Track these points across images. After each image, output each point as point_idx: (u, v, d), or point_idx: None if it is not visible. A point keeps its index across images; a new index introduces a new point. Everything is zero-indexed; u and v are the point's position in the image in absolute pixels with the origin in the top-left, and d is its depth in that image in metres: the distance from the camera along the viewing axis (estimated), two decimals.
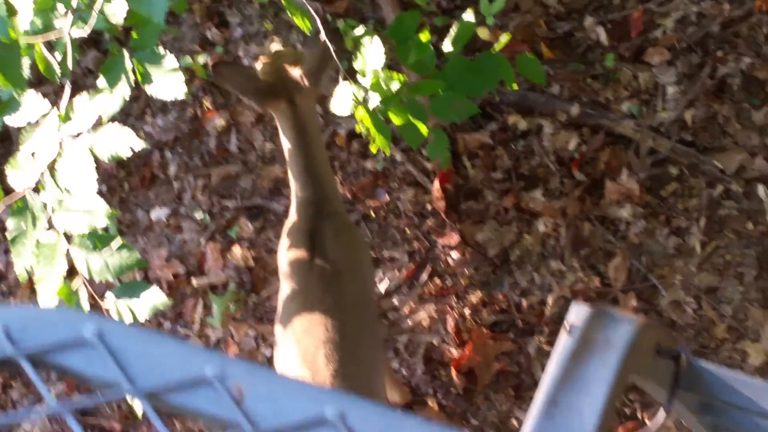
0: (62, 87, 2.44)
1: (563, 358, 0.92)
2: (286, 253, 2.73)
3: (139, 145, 2.29)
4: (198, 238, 3.67)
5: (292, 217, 2.78)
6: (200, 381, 0.84)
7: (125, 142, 2.31)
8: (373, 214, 3.64)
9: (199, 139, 3.81)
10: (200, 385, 0.84)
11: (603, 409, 0.85)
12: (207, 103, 3.86)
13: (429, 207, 3.63)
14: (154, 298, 2.38)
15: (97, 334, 0.86)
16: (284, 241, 2.76)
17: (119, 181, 3.69)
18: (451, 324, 3.50)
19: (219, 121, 3.80)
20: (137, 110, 3.89)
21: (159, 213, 3.68)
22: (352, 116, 3.47)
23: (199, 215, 3.70)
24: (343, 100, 2.58)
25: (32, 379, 0.85)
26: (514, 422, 3.37)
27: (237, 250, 3.60)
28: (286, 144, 2.74)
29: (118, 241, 2.30)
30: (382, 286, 3.55)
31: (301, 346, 2.61)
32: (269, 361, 3.52)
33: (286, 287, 2.73)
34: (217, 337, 3.55)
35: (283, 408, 0.84)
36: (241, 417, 0.83)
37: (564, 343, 0.97)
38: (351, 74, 2.54)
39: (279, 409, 0.84)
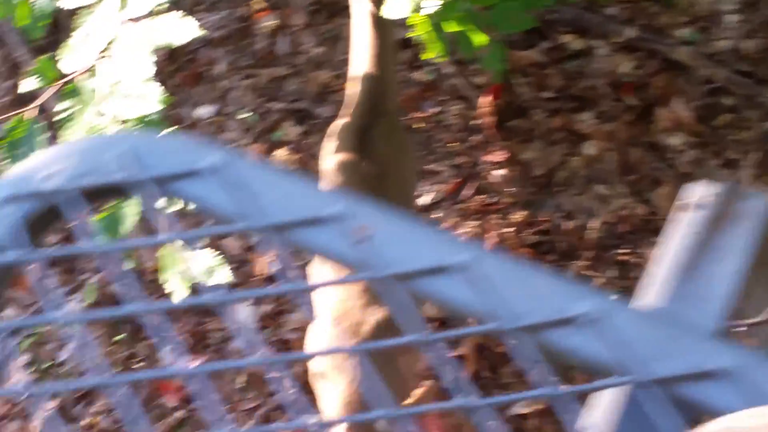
0: None
1: (694, 229, 0.89)
2: (332, 151, 2.69)
3: (198, 32, 2.25)
4: (242, 139, 3.64)
5: (344, 113, 2.73)
6: (327, 218, 0.81)
7: (184, 30, 2.28)
8: (418, 126, 3.59)
9: (248, 39, 3.77)
10: (324, 223, 0.81)
11: (740, 276, 0.82)
12: (256, 3, 3.82)
13: (475, 122, 3.59)
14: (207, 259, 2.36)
15: (222, 163, 0.83)
16: (331, 139, 2.71)
17: (166, 75, 3.65)
18: (492, 241, 3.47)
19: (269, 22, 3.75)
20: (188, 4, 3.85)
21: (204, 111, 3.65)
22: (402, 25, 3.42)
23: (244, 115, 3.66)
24: (399, 3, 2.53)
25: (152, 206, 0.82)
26: None
27: (281, 153, 3.56)
28: (357, 28, 2.64)
29: (168, 129, 2.27)
30: (425, 199, 3.51)
31: (332, 299, 2.58)
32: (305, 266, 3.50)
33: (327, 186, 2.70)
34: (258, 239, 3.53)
35: (410, 253, 0.81)
36: (367, 258, 0.80)
37: (690, 217, 0.93)
38: None
39: (405, 254, 0.81)
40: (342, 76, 3.62)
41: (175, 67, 3.73)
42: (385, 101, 2.68)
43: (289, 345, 3.41)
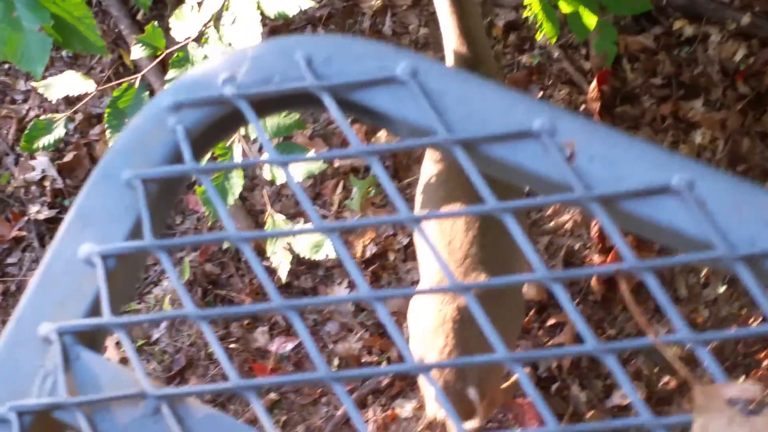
0: None
1: None
2: None
3: (310, 2, 2.20)
4: None
5: None
6: (526, 134, 0.74)
7: (295, 1, 2.23)
8: None
9: (353, 18, 3.71)
10: (526, 138, 0.74)
11: None
12: None
13: (582, 108, 3.49)
14: (309, 161, 2.31)
15: (412, 72, 0.76)
16: None
17: None
18: (595, 230, 3.38)
19: (374, 2, 3.69)
20: None
21: None
22: (513, 7, 3.34)
23: None
24: None
25: (334, 116, 0.75)
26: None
27: (382, 135, 3.50)
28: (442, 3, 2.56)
29: None
30: None
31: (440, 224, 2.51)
32: (405, 250, 3.44)
33: (429, 169, 2.63)
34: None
35: (621, 171, 0.73)
36: (572, 177, 0.72)
37: None
38: None
39: (616, 173, 0.73)
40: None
41: None
42: (485, 68, 2.58)
43: (384, 329, 3.35)
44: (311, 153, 2.29)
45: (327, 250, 2.41)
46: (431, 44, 3.62)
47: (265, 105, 0.78)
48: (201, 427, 0.72)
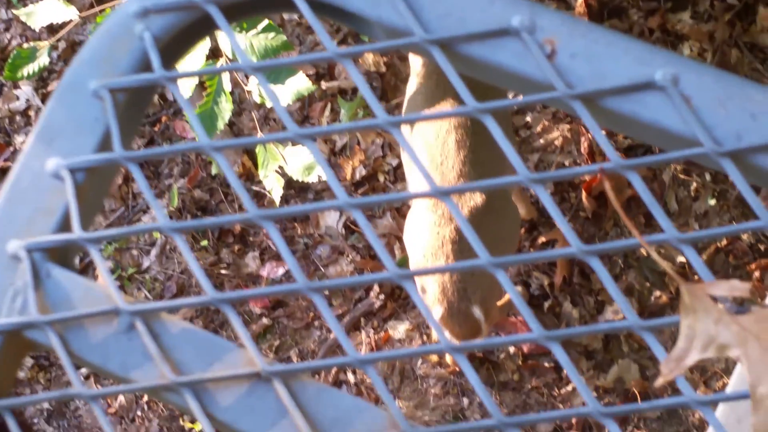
0: None
1: None
2: None
3: None
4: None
5: None
6: (505, 32, 0.71)
7: None
8: None
9: None
10: (504, 36, 0.71)
11: None
12: None
13: None
14: (298, 83, 2.28)
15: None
16: None
17: None
18: (584, 145, 3.35)
19: None
20: None
21: None
22: None
23: None
24: None
25: (307, 16, 0.73)
26: (642, 251, 3.24)
27: (369, 56, 3.45)
28: None
29: (264, 22, 2.18)
30: None
31: (425, 135, 2.49)
32: (395, 171, 3.41)
33: (413, 83, 2.61)
34: (343, 143, 3.45)
35: (603, 68, 0.70)
36: (553, 75, 0.70)
37: None
38: None
39: (598, 70, 0.70)
40: None
41: None
42: None
43: (374, 251, 3.33)
44: (299, 74, 2.26)
45: (318, 172, 2.39)
46: None
47: (235, 9, 0.75)
48: (177, 341, 0.70)
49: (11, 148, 3.66)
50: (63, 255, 0.73)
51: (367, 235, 0.67)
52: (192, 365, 0.69)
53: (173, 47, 0.75)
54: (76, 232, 0.72)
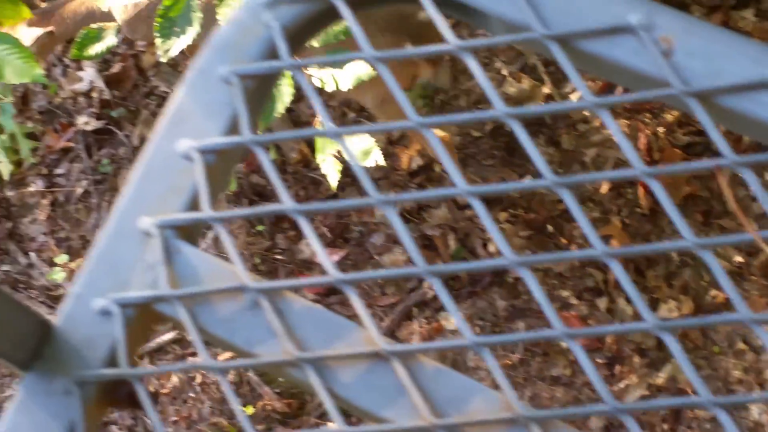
0: None
1: None
2: None
3: None
4: None
5: None
6: (622, 29, 0.73)
7: None
8: None
9: None
10: (622, 33, 0.73)
11: None
12: None
13: None
14: (357, 68, 2.31)
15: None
16: None
17: None
18: (642, 141, 3.36)
19: None
20: None
21: None
22: None
23: None
24: None
25: (429, 11, 0.75)
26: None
27: None
28: None
29: None
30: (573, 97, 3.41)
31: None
32: None
33: None
34: (400, 133, 3.47)
35: (720, 66, 0.72)
36: (669, 73, 0.72)
37: None
38: None
39: (714, 68, 0.72)
40: None
41: None
42: None
43: (430, 240, 3.36)
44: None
45: (376, 156, 2.41)
46: None
47: (360, 1, 0.78)
48: (299, 319, 0.73)
49: (73, 129, 3.71)
50: (190, 232, 0.76)
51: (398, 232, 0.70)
52: (314, 342, 0.72)
53: (299, 36, 0.78)
54: (206, 211, 0.75)
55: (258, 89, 0.77)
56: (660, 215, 3.28)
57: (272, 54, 0.77)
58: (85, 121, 3.71)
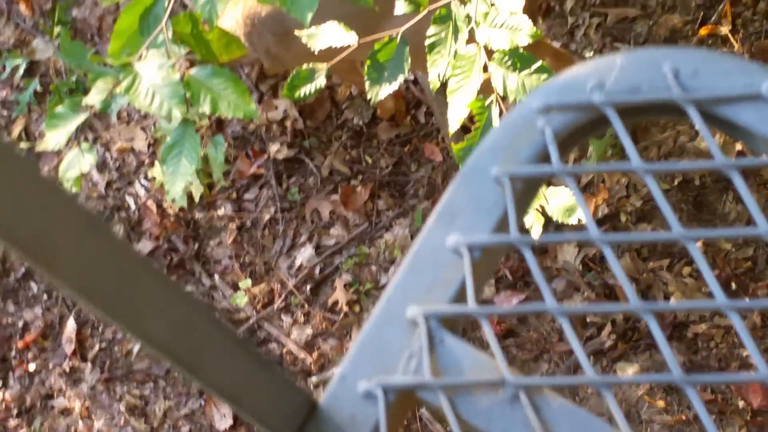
0: None
1: None
2: None
3: None
4: None
5: None
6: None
7: None
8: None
9: None
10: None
11: None
12: None
13: None
14: None
15: None
16: None
17: None
18: None
19: None
20: None
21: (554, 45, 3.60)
22: None
23: (589, 54, 3.60)
24: None
25: (700, 128, 0.78)
26: None
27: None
28: None
29: (537, 62, 2.23)
30: None
31: None
32: (636, 212, 3.42)
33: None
34: (588, 180, 3.48)
35: None
36: None
37: None
38: None
39: None
40: (695, 22, 3.50)
41: None
42: None
43: (611, 289, 3.36)
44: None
45: (579, 215, 2.43)
46: (679, 8, 3.57)
47: (629, 112, 0.81)
48: (557, 417, 0.76)
49: (266, 155, 3.82)
50: (454, 323, 0.80)
51: (614, 269, 0.72)
52: None
53: (568, 141, 0.81)
54: (471, 305, 0.79)
55: (525, 190, 0.81)
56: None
57: (543, 158, 0.80)
58: (277, 149, 3.82)
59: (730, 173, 0.77)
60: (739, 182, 0.76)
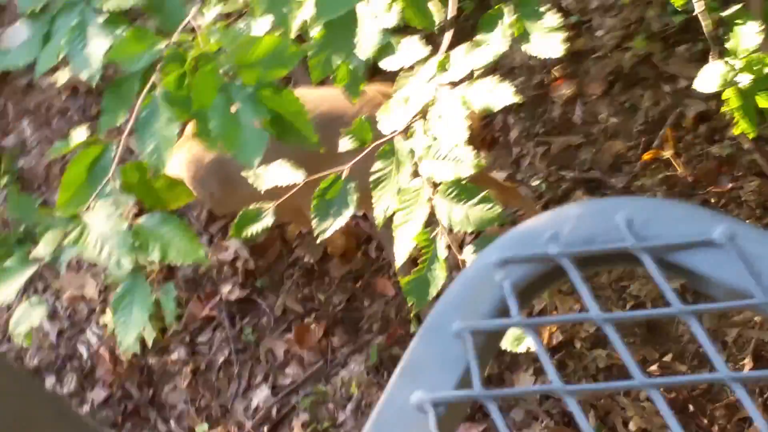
0: (441, 33, 2.42)
1: None
2: None
3: (514, 98, 2.24)
4: (533, 206, 3.62)
5: None
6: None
7: (501, 95, 2.27)
8: (713, 201, 3.50)
9: (543, 106, 3.75)
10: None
11: None
12: (556, 71, 3.80)
13: None
14: None
15: (730, 236, 0.79)
16: None
17: None
18: None
19: (565, 90, 3.73)
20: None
21: (497, 176, 3.64)
22: (703, 98, 3.34)
23: (535, 182, 3.64)
24: (710, 77, 2.49)
25: (654, 275, 0.79)
26: None
27: None
28: None
29: (481, 193, 2.26)
30: None
31: None
32: (591, 338, 3.43)
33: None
34: (541, 307, 3.49)
35: None
36: (751, 283, 0.75)
37: None
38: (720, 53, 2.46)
39: None
40: (638, 147, 3.56)
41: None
42: None
43: (570, 417, 3.35)
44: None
45: (528, 343, 2.43)
46: (621, 134, 3.64)
47: (585, 262, 0.82)
48: None
49: (218, 297, 3.81)
50: None
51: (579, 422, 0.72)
52: None
53: (527, 293, 0.82)
54: None
55: (487, 344, 0.81)
56: None
57: (503, 310, 0.81)
58: (229, 290, 3.81)
59: (688, 319, 0.78)
60: (696, 328, 0.77)
